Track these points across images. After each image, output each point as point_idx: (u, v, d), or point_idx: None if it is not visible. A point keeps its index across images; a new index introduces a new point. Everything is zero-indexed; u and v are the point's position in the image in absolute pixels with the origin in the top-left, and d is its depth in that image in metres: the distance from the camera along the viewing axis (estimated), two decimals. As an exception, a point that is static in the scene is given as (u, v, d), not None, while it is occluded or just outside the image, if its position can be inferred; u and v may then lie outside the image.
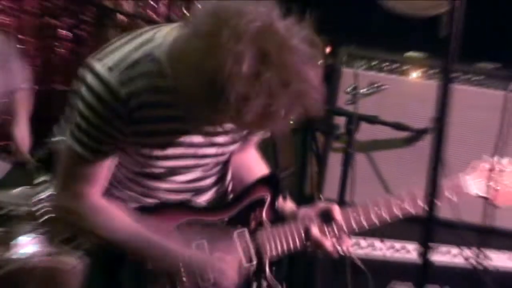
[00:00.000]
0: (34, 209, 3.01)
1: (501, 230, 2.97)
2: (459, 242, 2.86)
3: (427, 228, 1.69)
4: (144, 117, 1.84)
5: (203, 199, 2.15)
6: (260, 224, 2.10)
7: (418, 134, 3.05)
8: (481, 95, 3.13)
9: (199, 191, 2.14)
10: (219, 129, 1.93)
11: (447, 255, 3.01)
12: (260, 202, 2.12)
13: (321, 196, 3.08)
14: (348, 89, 3.06)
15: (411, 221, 2.13)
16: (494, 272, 3.03)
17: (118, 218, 1.99)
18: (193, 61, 1.60)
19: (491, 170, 2.20)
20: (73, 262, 2.89)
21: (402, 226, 2.38)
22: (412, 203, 2.16)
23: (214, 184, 2.19)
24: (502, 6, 2.14)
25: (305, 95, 1.61)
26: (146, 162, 1.98)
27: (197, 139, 1.96)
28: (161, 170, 2.02)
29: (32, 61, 4.62)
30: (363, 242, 3.11)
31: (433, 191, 1.71)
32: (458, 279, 2.99)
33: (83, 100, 1.80)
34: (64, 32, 4.92)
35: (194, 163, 2.04)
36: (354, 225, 2.13)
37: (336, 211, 2.10)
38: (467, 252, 2.90)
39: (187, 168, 2.05)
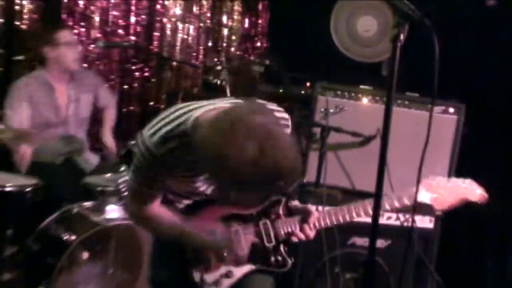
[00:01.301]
0: (118, 188, 2.99)
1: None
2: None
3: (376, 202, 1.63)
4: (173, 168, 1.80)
5: None
6: (277, 216, 2.07)
7: (368, 139, 3.03)
8: (408, 113, 3.11)
9: None
10: None
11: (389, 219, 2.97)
12: (278, 201, 2.08)
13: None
14: (322, 110, 3.05)
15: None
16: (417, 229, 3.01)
17: (167, 221, 1.92)
18: (213, 149, 1.49)
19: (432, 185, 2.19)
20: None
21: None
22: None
23: None
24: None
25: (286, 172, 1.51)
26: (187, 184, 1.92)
27: None
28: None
29: (117, 90, 4.60)
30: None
31: (379, 179, 1.57)
32: (396, 234, 2.97)
33: (137, 156, 1.77)
34: (137, 73, 4.88)
35: None
36: (323, 225, 2.10)
37: (312, 217, 2.05)
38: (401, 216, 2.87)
39: None
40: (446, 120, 3.09)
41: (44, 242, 2.95)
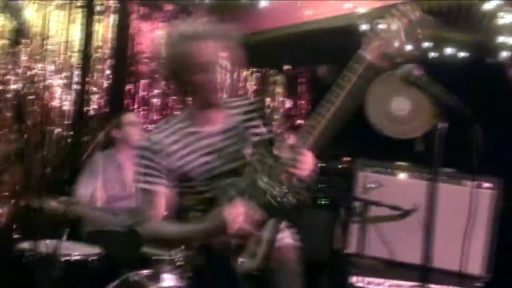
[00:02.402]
0: (172, 257, 2.99)
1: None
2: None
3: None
4: (170, 152, 1.83)
5: None
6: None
7: (406, 213, 2.98)
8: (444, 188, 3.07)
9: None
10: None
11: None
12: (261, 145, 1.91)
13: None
14: (361, 185, 3.04)
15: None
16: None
17: (169, 225, 1.84)
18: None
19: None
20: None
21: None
22: None
23: None
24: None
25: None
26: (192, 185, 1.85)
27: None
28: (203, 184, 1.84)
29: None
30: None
31: (426, 251, 1.56)
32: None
33: (137, 156, 1.86)
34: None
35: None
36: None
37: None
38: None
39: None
40: (482, 194, 3.04)
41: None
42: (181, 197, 1.88)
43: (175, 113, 1.97)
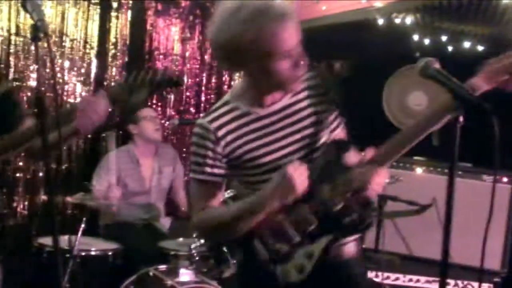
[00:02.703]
0: (190, 252, 3.01)
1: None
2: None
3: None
4: (231, 139, 1.64)
5: None
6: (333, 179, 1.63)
7: (423, 208, 2.96)
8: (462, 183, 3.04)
9: None
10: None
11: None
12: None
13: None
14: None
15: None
16: None
17: (224, 207, 1.70)
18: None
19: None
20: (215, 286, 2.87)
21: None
22: None
23: None
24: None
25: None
26: (252, 173, 1.66)
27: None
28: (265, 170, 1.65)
29: (189, 162, 4.70)
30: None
31: (445, 247, 1.48)
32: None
33: (192, 142, 1.68)
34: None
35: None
36: None
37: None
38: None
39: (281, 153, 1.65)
40: (500, 189, 3.00)
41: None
42: (239, 188, 1.74)
43: (230, 92, 1.75)
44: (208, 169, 1.65)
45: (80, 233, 2.98)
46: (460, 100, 1.37)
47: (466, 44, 4.15)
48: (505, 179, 3.02)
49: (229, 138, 1.64)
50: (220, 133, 1.64)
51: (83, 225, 3.01)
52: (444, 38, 4.16)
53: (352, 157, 1.61)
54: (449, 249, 1.48)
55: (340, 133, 1.72)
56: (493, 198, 1.48)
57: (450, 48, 4.26)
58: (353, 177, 1.55)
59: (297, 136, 1.66)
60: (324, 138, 1.68)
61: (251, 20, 1.49)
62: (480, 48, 4.23)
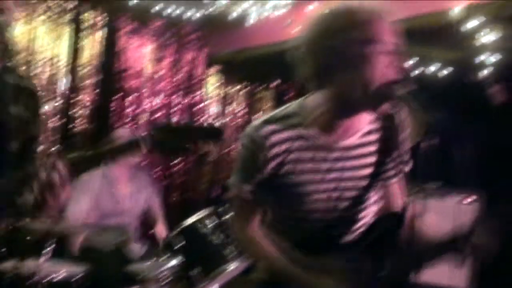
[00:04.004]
0: (158, 276, 2.96)
1: None
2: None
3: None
4: (284, 160, 1.50)
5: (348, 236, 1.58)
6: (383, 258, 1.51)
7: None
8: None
9: (343, 228, 1.58)
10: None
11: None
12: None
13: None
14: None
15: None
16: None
17: (269, 250, 1.56)
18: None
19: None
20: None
21: None
22: None
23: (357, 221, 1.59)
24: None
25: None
26: (297, 203, 1.53)
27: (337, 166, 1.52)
28: (310, 207, 1.53)
29: (160, 182, 4.65)
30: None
31: None
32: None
33: (242, 146, 1.54)
34: (178, 166, 4.96)
35: (337, 195, 1.53)
36: None
37: None
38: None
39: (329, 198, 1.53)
40: (466, 208, 3.05)
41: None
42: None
43: (299, 104, 1.56)
44: (252, 182, 1.53)
45: (46, 256, 2.90)
46: (425, 124, 1.40)
47: (433, 68, 4.24)
48: (471, 199, 3.06)
49: (285, 158, 1.50)
50: (276, 150, 1.49)
51: (49, 249, 2.93)
52: (411, 62, 4.25)
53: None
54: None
55: (395, 185, 1.60)
56: (456, 216, 1.50)
57: (417, 72, 4.35)
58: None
59: (349, 184, 1.53)
60: (374, 192, 1.57)
61: (352, 10, 1.41)
62: (445, 71, 4.34)
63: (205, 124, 1.56)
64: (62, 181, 1.39)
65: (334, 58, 1.40)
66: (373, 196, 1.59)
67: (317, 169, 1.50)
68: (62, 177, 1.38)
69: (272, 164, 1.49)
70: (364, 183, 1.54)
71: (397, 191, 1.61)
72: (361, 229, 1.59)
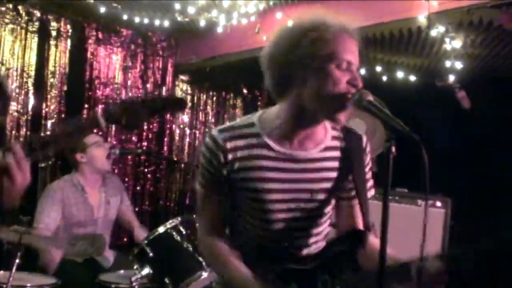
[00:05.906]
0: (131, 285, 2.93)
1: None
2: None
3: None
4: (238, 158, 1.53)
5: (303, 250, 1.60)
6: (341, 273, 1.51)
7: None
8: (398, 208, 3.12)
9: (297, 240, 1.59)
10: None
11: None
12: (343, 252, 1.55)
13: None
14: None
15: None
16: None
17: (221, 256, 1.57)
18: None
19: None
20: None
21: None
22: None
23: (312, 235, 1.60)
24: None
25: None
26: (255, 204, 1.55)
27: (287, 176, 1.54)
28: (268, 207, 1.54)
29: (130, 191, 4.61)
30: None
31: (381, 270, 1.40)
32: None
33: (201, 154, 1.58)
34: (149, 175, 4.92)
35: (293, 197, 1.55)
36: None
37: None
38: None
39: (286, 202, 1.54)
40: (434, 213, 3.11)
41: None
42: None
43: (258, 116, 1.60)
44: (212, 185, 1.57)
45: (14, 268, 2.83)
46: (391, 130, 1.42)
47: (399, 74, 4.32)
48: (438, 204, 3.12)
49: (242, 164, 1.53)
50: (231, 155, 1.53)
51: (17, 260, 2.86)
52: (378, 68, 4.32)
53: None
54: (384, 274, 1.50)
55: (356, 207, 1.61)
56: (426, 222, 1.52)
57: (384, 78, 4.43)
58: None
59: (306, 196, 1.55)
60: (329, 207, 1.60)
61: (315, 25, 1.44)
62: (412, 78, 4.42)
63: (164, 95, 1.54)
64: (19, 164, 1.32)
65: (293, 71, 1.46)
66: (329, 212, 1.61)
67: (278, 178, 1.53)
68: (19, 160, 1.31)
69: (229, 168, 1.52)
70: (321, 196, 1.56)
71: (358, 212, 1.62)
72: (319, 244, 1.61)
